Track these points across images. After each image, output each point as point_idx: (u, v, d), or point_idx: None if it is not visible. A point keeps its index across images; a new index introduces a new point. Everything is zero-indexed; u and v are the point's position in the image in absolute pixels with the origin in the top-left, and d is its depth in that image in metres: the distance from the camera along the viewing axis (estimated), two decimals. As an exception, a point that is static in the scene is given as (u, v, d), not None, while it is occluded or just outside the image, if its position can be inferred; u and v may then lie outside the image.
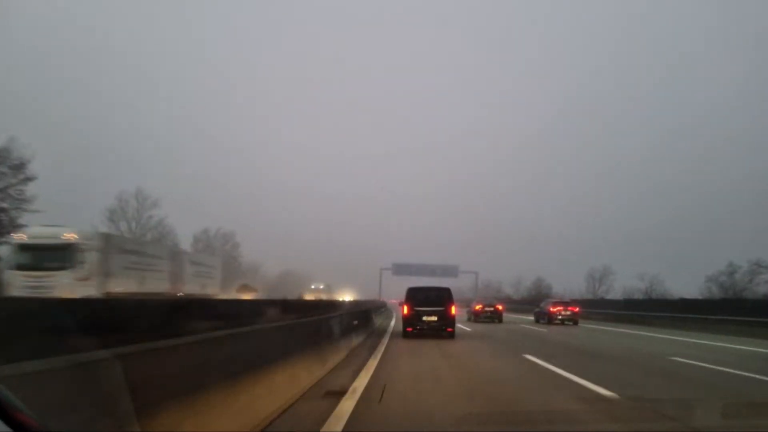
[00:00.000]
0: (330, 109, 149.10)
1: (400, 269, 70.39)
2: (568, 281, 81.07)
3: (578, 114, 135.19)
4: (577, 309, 29.74)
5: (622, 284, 66.39)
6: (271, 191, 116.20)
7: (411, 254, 77.99)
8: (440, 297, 17.11)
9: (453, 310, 16.86)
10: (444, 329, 16.68)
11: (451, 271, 70.45)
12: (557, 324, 27.83)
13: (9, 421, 1.43)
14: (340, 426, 5.05)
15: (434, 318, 16.70)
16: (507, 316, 33.97)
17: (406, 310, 16.98)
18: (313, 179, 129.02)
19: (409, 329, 16.80)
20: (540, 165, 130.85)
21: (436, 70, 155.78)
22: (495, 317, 29.40)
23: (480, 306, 30.47)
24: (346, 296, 54.47)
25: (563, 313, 28.94)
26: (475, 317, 29.68)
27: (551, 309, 29.26)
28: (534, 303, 38.00)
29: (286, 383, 6.16)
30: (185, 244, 68.92)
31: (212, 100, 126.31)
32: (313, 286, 68.82)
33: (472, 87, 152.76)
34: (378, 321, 24.57)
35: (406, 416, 5.83)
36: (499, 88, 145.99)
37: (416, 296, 17.22)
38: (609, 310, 36.68)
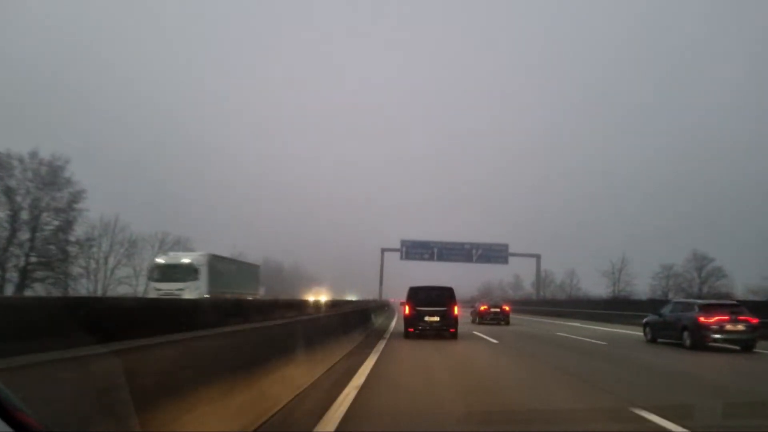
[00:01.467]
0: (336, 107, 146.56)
1: (413, 250, 46.64)
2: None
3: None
4: (757, 320, 14.98)
5: None
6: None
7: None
8: (442, 297, 17.17)
9: (456, 310, 16.93)
10: (446, 329, 16.77)
11: (497, 253, 46.42)
12: (705, 349, 14.47)
13: (9, 421, 1.47)
14: None
15: (436, 318, 16.78)
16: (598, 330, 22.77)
17: (407, 309, 17.07)
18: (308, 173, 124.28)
19: (411, 329, 16.91)
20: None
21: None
22: (501, 318, 29.22)
23: (485, 306, 30.20)
24: (321, 296, 34.74)
25: (729, 326, 14.71)
26: (480, 319, 29.46)
27: (702, 319, 14.95)
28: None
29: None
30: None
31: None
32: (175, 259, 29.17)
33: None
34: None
35: None
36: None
37: (418, 295, 17.28)
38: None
